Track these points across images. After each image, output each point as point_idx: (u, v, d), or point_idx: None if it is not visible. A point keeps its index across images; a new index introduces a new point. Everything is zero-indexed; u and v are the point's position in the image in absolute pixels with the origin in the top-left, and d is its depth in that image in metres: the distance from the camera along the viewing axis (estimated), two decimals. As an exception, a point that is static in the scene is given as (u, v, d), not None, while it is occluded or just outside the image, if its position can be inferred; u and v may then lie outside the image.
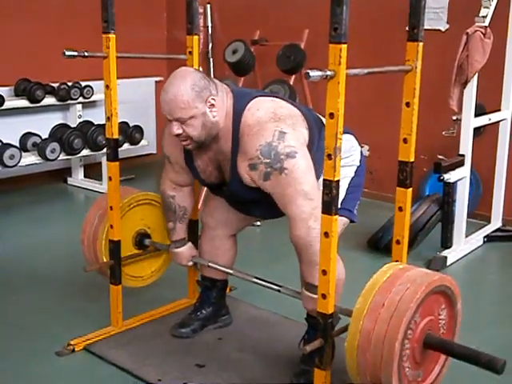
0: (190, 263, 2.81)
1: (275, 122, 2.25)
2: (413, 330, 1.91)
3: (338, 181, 1.89)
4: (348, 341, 1.94)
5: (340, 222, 2.17)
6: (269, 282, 2.54)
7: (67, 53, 2.59)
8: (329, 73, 1.79)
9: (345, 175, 2.40)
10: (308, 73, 1.77)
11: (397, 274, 2.00)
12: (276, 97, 2.43)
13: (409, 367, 1.94)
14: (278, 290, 2.49)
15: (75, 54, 2.61)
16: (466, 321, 2.18)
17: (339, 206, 2.20)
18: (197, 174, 2.52)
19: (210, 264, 2.73)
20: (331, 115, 1.84)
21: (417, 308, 1.90)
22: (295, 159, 2.21)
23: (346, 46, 1.78)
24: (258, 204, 2.49)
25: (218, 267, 2.73)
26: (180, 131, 2.29)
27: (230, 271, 2.70)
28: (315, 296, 2.06)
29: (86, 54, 2.63)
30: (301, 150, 2.24)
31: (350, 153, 2.46)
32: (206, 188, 3.99)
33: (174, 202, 2.68)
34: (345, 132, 2.11)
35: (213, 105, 2.29)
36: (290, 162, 2.20)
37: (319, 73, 1.78)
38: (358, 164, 2.50)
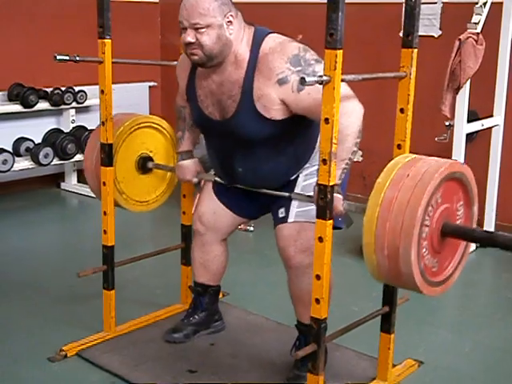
0: (195, 179, 2.73)
1: (297, 43, 2.28)
2: (434, 208, 1.91)
3: (333, 186, 1.90)
4: (367, 214, 1.92)
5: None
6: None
7: (58, 57, 2.58)
8: (324, 78, 1.80)
9: None
10: (304, 78, 1.77)
11: (420, 156, 2.03)
12: None
13: (426, 248, 1.93)
14: (289, 197, 2.40)
15: (66, 58, 2.60)
16: (459, 324, 2.19)
17: None
18: (195, 105, 2.48)
19: (216, 179, 2.63)
20: (326, 120, 1.85)
21: (440, 182, 1.90)
22: (323, 63, 2.21)
23: (341, 51, 1.79)
24: (250, 153, 2.42)
25: (224, 182, 2.62)
26: (193, 40, 2.26)
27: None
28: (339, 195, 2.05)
29: (77, 58, 2.62)
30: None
31: None
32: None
33: (183, 111, 2.68)
34: None
35: (231, 22, 2.29)
36: (320, 66, 2.16)
37: (314, 78, 1.79)
38: None
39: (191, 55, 2.30)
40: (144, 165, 2.89)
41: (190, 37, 2.26)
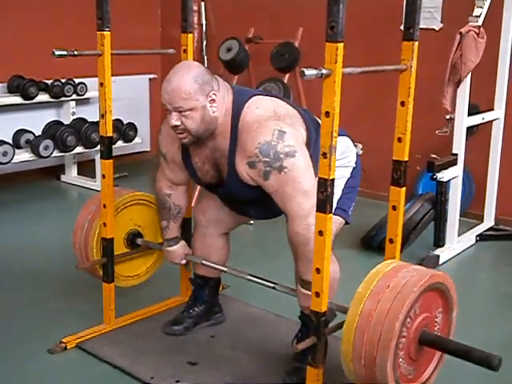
0: (183, 261, 2.80)
1: (275, 121, 2.25)
2: (412, 319, 1.93)
3: (333, 179, 1.89)
4: (346, 324, 1.94)
5: (335, 221, 2.17)
6: (264, 280, 2.53)
7: (57, 52, 2.57)
8: (324, 71, 1.79)
9: (341, 176, 2.41)
10: (303, 71, 1.77)
11: (401, 265, 2.04)
12: (275, 96, 2.44)
13: (403, 358, 1.94)
14: (274, 288, 2.48)
15: (65, 53, 2.59)
16: (458, 319, 2.18)
17: (335, 206, 2.21)
18: (193, 173, 2.51)
19: (203, 262, 2.73)
20: (327, 114, 1.84)
21: (420, 294, 1.91)
22: (294, 158, 2.21)
23: (342, 44, 1.78)
24: (255, 204, 2.49)
25: (212, 265, 2.72)
26: (178, 123, 2.28)
27: (225, 269, 2.70)
28: (310, 293, 2.06)
29: (75, 52, 2.62)
30: (300, 149, 2.25)
31: (346, 154, 2.47)
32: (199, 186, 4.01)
33: (169, 200, 2.68)
34: (341, 134, 2.12)
35: (213, 100, 2.28)
36: (289, 161, 2.21)
37: (314, 71, 1.78)
38: (354, 165, 2.51)
39: (179, 137, 2.34)
40: (133, 241, 2.93)
41: (174, 120, 2.28)
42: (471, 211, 4.52)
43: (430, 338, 1.99)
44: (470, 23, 3.63)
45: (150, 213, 2.95)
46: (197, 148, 2.44)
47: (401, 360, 1.94)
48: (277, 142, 2.21)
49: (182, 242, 2.79)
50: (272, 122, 2.25)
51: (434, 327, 2.06)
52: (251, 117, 2.28)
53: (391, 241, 2.23)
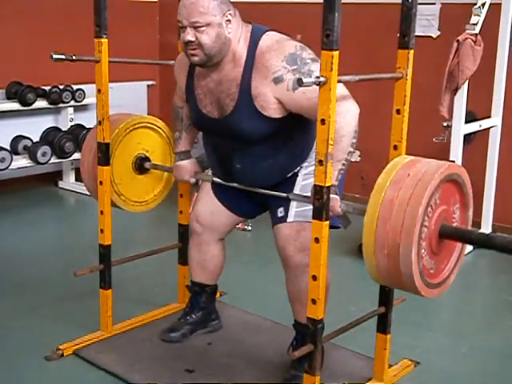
0: (193, 179, 2.74)
1: (295, 41, 2.29)
2: (433, 209, 1.93)
3: (329, 186, 1.90)
4: (367, 214, 1.94)
5: None
6: (276, 191, 2.44)
7: (54, 56, 2.58)
8: (321, 79, 1.80)
9: None
10: (301, 79, 1.78)
11: (418, 158, 2.06)
12: None
13: (425, 249, 1.94)
14: (287, 197, 2.39)
15: (63, 57, 2.60)
16: (455, 326, 2.19)
17: None
18: (194, 105, 2.48)
19: (214, 179, 2.63)
20: (322, 121, 1.85)
21: (440, 183, 1.92)
22: (319, 63, 2.20)
23: (337, 52, 1.79)
24: (246, 150, 2.42)
25: (221, 181, 2.61)
26: (193, 38, 2.26)
27: (236, 184, 2.55)
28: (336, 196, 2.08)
29: (73, 57, 2.63)
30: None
31: None
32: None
33: (181, 112, 2.70)
34: None
35: (229, 20, 2.30)
36: (316, 65, 2.19)
37: (311, 79, 1.80)
38: None
39: (191, 56, 2.31)
40: (141, 165, 2.90)
41: (189, 35, 2.26)
42: (468, 218, 4.51)
43: (451, 230, 2.00)
44: (467, 31, 3.65)
45: (158, 139, 2.96)
46: (201, 80, 2.43)
47: (423, 251, 1.93)
48: (301, 51, 2.25)
49: (193, 159, 2.75)
50: (292, 41, 2.29)
51: (452, 223, 2.06)
52: (271, 41, 2.30)
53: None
